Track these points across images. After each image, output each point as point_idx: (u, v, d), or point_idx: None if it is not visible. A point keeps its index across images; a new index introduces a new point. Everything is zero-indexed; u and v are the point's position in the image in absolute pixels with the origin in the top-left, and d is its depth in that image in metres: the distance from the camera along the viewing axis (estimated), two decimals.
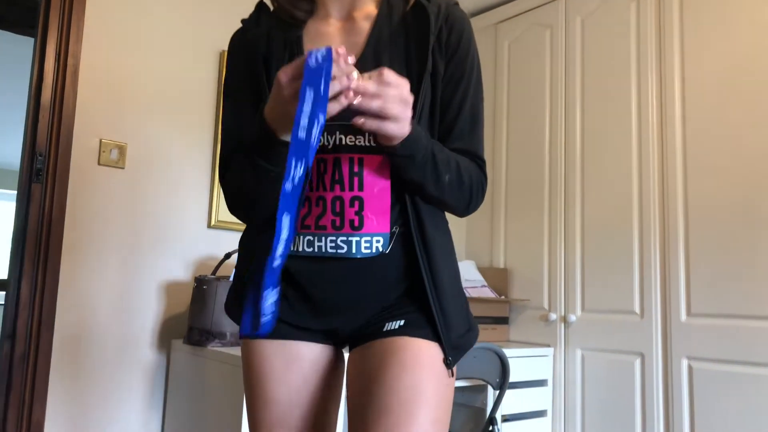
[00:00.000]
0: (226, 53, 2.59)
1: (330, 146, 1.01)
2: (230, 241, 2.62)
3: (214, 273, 2.39)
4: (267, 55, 1.08)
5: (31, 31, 3.37)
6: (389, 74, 0.87)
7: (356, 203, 1.01)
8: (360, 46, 1.06)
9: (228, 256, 2.41)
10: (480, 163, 1.09)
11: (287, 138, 0.92)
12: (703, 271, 2.41)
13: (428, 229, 1.03)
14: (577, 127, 2.91)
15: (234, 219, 2.62)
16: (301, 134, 0.82)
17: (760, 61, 2.35)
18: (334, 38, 1.09)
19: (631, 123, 2.70)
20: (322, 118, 0.83)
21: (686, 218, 2.48)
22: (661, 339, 2.50)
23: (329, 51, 0.83)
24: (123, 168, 2.39)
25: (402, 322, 1.01)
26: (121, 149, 2.38)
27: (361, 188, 1.01)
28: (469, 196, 1.06)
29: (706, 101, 2.49)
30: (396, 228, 1.03)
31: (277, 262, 0.87)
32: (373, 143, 1.00)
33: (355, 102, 0.86)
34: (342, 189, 1.01)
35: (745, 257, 2.30)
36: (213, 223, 2.58)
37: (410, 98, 0.90)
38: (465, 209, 1.08)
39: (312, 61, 0.82)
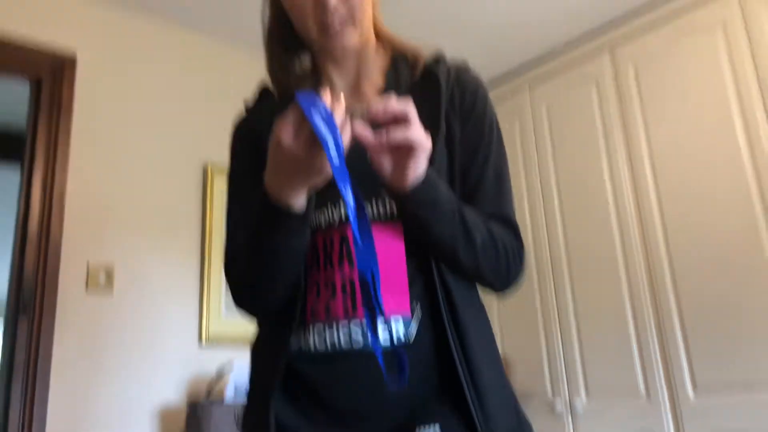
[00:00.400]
0: (210, 166, 2.67)
1: (336, 222, 0.93)
2: (223, 357, 2.56)
3: (207, 396, 2.32)
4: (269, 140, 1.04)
5: (15, 162, 3.44)
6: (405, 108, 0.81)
7: (368, 277, 0.90)
8: None
9: (220, 374, 2.36)
10: (512, 227, 0.98)
11: (291, 201, 0.84)
12: (702, 341, 2.39)
13: (461, 308, 0.90)
14: (556, 210, 2.97)
15: (226, 332, 2.58)
16: (336, 161, 0.76)
17: (717, 121, 2.45)
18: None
19: (608, 200, 2.76)
20: (339, 141, 0.77)
21: (675, 286, 2.49)
22: (672, 420, 2.44)
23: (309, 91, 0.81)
24: (111, 293, 2.36)
25: (437, 428, 0.88)
26: (109, 272, 2.37)
27: None
28: (506, 265, 0.94)
29: (675, 166, 2.57)
30: (419, 306, 0.90)
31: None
32: (382, 209, 0.92)
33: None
34: (351, 265, 0.91)
35: (741, 318, 2.29)
36: (205, 339, 2.54)
37: (425, 138, 0.83)
38: (504, 281, 0.96)
39: (300, 96, 0.79)
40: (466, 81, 1.03)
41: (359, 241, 0.77)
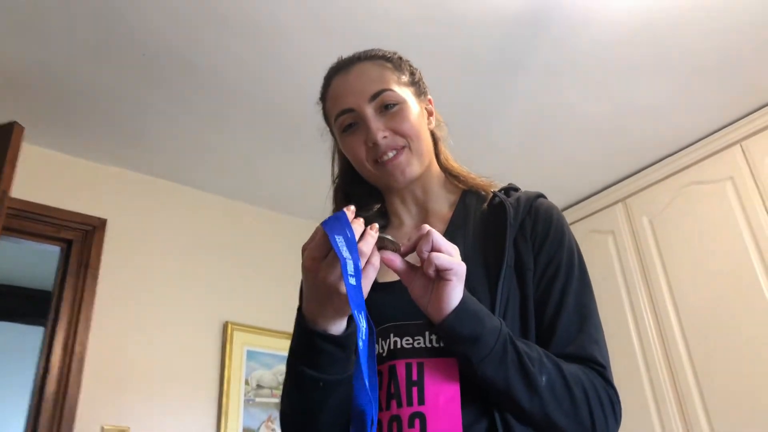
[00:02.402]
0: (229, 324, 2.67)
1: (384, 353, 0.87)
2: None
3: None
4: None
5: (38, 321, 3.48)
6: (438, 238, 0.79)
7: (416, 422, 0.80)
8: None
9: None
10: (599, 369, 0.85)
11: (328, 327, 0.80)
12: None
13: None
14: None
15: None
16: (351, 282, 0.74)
17: (735, 260, 2.44)
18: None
19: (635, 350, 2.68)
20: (359, 264, 0.76)
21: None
22: None
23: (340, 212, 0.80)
24: None
25: None
26: None
27: (421, 401, 0.81)
28: (588, 414, 0.80)
29: (698, 309, 2.52)
30: None
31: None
32: (435, 343, 0.84)
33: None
34: (399, 405, 0.82)
35: None
36: None
37: (462, 266, 0.78)
38: None
39: (327, 220, 0.79)
40: (539, 208, 0.97)
41: (365, 376, 0.73)
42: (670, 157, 2.79)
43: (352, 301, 0.73)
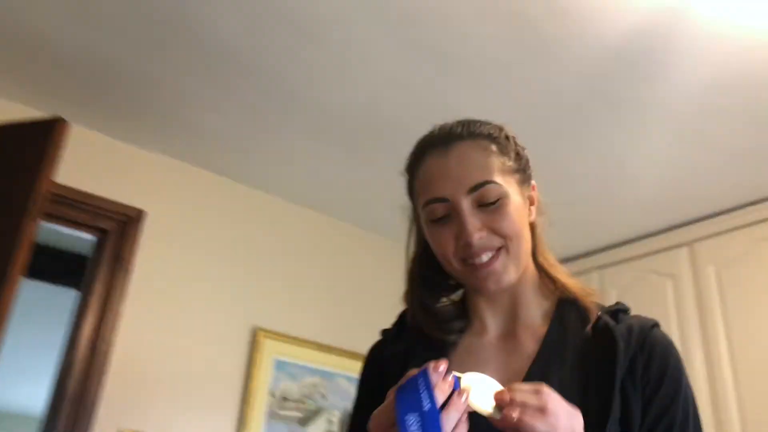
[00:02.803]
0: (259, 331, 2.56)
1: None
2: None
3: None
4: (401, 377, 0.87)
5: (70, 281, 3.41)
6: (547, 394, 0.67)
7: None
8: (520, 374, 0.83)
9: None
10: None
11: None
12: None
13: None
14: None
15: None
16: None
17: None
18: (489, 359, 0.89)
19: None
20: None
21: None
22: None
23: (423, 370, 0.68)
24: None
25: None
26: None
27: None
28: None
29: (757, 372, 2.33)
30: None
31: None
32: None
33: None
34: None
35: None
36: None
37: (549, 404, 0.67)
38: None
39: (401, 389, 0.67)
40: (654, 344, 0.82)
41: None
42: (749, 207, 2.57)
43: None
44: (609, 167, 2.47)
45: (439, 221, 0.87)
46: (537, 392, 0.67)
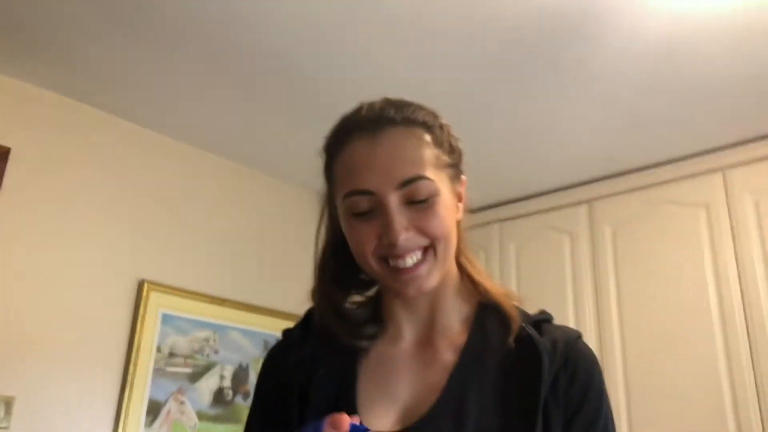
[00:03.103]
0: (146, 284, 2.37)
1: None
2: None
3: None
4: (306, 386, 0.81)
5: None
6: None
7: None
8: (437, 389, 0.77)
9: None
10: None
11: None
12: None
13: None
14: None
15: None
16: None
17: (691, 298, 2.35)
18: (403, 370, 0.81)
19: None
20: None
21: None
22: None
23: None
24: (7, 428, 2.01)
25: None
26: (8, 404, 2.02)
27: None
28: None
29: (642, 332, 2.44)
30: None
31: None
32: None
33: None
34: None
35: None
36: None
37: None
38: None
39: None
40: (578, 360, 0.77)
41: None
42: (649, 170, 2.62)
43: None
44: (516, 124, 2.42)
45: (360, 216, 0.77)
46: None
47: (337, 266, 0.86)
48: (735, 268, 2.30)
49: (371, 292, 0.90)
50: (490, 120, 2.38)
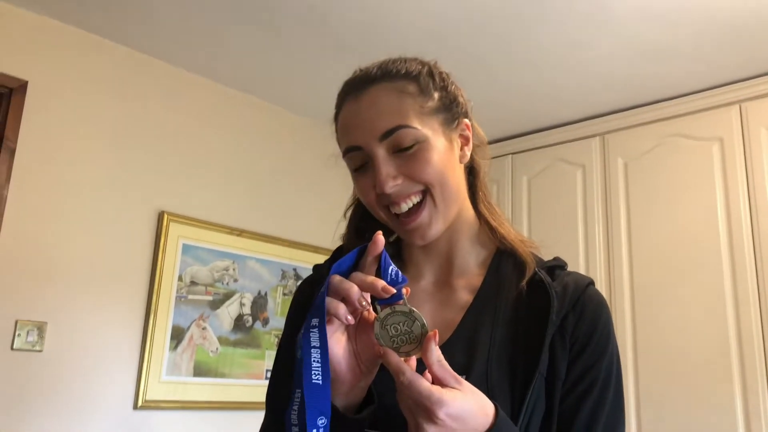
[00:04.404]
0: (166, 215, 2.43)
1: None
2: (159, 424, 2.36)
3: None
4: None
5: None
6: (412, 383, 0.63)
7: None
8: (452, 325, 0.82)
9: None
10: None
11: (339, 404, 0.69)
12: None
13: None
14: None
15: (165, 396, 2.37)
16: (315, 378, 0.63)
17: (702, 242, 2.38)
18: (421, 307, 0.85)
19: None
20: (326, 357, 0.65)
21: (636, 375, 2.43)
22: None
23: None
24: (41, 351, 2.12)
25: None
26: (41, 329, 2.13)
27: None
28: None
29: (652, 272, 2.49)
30: None
31: None
32: None
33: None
34: None
35: None
36: (140, 403, 2.32)
37: (439, 414, 0.62)
38: None
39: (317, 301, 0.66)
40: (586, 304, 0.81)
41: None
42: (662, 102, 2.61)
43: (309, 407, 0.62)
44: (530, 55, 2.39)
45: (358, 170, 0.83)
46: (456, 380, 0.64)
47: (359, 219, 0.92)
48: (747, 202, 2.32)
49: (394, 237, 0.95)
50: (505, 52, 2.35)
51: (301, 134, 2.97)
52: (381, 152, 0.79)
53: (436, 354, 0.65)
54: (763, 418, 2.14)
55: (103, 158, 2.36)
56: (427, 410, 0.63)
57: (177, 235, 2.47)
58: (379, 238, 0.69)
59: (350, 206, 0.94)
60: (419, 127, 0.79)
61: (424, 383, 0.63)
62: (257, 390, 2.58)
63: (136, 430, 2.31)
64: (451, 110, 0.85)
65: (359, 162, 0.81)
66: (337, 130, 0.87)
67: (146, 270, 2.41)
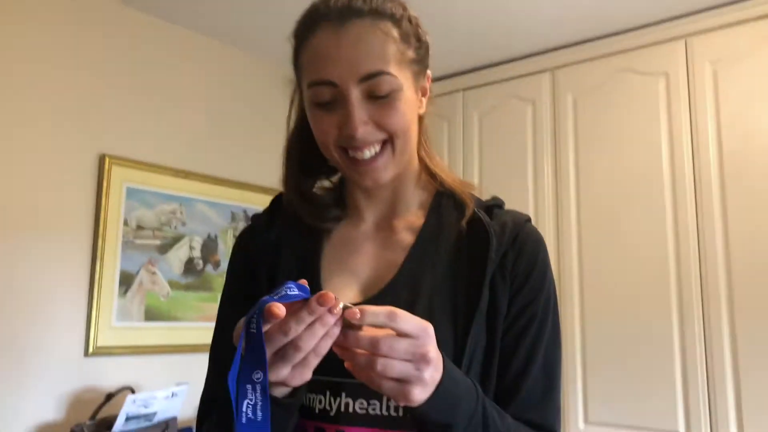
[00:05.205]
0: (107, 158, 2.35)
1: (332, 412, 0.76)
2: (112, 370, 2.34)
3: (93, 417, 2.12)
4: (273, 267, 0.85)
5: None
6: (402, 318, 0.63)
7: None
8: (395, 266, 0.83)
9: (110, 397, 2.16)
10: None
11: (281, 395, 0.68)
12: (597, 381, 2.46)
13: None
14: None
15: (116, 342, 2.35)
16: (248, 414, 0.60)
17: (646, 177, 2.43)
18: (363, 249, 0.87)
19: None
20: (261, 376, 0.62)
21: (583, 324, 2.52)
22: None
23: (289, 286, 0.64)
24: None
25: None
26: None
27: None
28: None
29: (598, 207, 2.54)
30: None
31: None
32: (394, 412, 0.74)
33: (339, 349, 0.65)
34: None
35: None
36: (91, 349, 2.30)
37: (430, 352, 0.64)
38: None
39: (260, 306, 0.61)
40: (524, 242, 0.83)
41: None
42: (612, 37, 2.60)
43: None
44: None
45: (323, 106, 0.79)
46: (389, 315, 0.64)
47: (304, 152, 0.89)
48: (689, 137, 2.37)
49: (336, 178, 0.94)
50: None
51: (249, 72, 2.88)
52: (356, 94, 0.77)
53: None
54: (698, 347, 2.25)
55: (44, 100, 2.24)
56: (420, 357, 0.63)
57: (120, 179, 2.40)
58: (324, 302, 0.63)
59: (291, 140, 0.90)
60: (397, 75, 0.78)
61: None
62: (210, 332, 2.56)
63: (88, 377, 2.29)
64: (422, 63, 0.84)
65: (327, 98, 0.78)
66: (301, 53, 0.82)
67: (90, 215, 2.34)
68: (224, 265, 2.67)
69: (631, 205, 2.46)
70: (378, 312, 0.63)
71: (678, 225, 2.34)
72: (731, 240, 2.23)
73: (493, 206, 0.88)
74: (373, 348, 0.62)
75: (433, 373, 0.65)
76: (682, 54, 2.42)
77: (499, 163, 2.87)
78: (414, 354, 0.63)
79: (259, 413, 0.61)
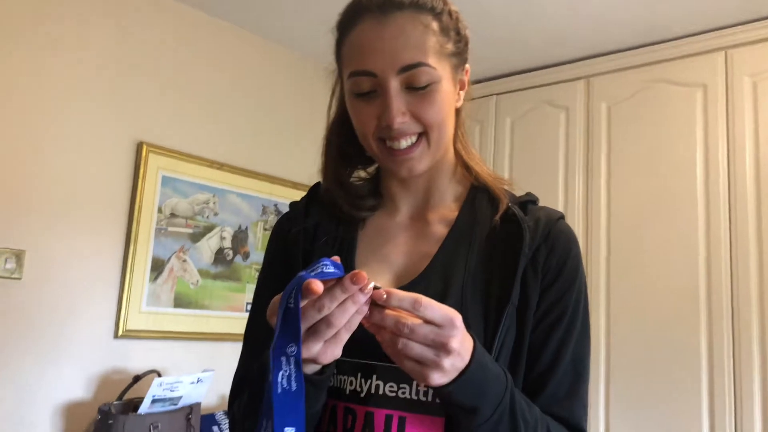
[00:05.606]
0: (144, 145, 2.40)
1: (363, 394, 0.77)
2: (140, 353, 2.39)
3: (120, 397, 2.17)
4: (309, 253, 0.87)
5: None
6: (427, 306, 0.65)
7: None
8: (428, 256, 0.85)
9: (137, 379, 2.20)
10: None
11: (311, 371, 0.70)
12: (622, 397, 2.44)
13: None
14: None
15: (145, 326, 2.40)
16: (283, 384, 0.63)
17: (679, 189, 2.41)
18: (397, 239, 0.89)
19: None
20: (295, 350, 0.64)
21: (608, 334, 2.51)
22: None
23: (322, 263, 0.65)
24: (20, 279, 2.12)
25: None
26: (19, 257, 2.12)
27: None
28: None
29: (629, 217, 2.53)
30: None
31: None
32: (423, 396, 0.76)
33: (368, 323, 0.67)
34: None
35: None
36: (121, 332, 2.35)
37: (452, 342, 0.65)
38: None
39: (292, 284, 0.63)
40: (557, 237, 0.84)
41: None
42: (648, 47, 2.59)
43: (277, 414, 0.62)
44: None
45: (362, 96, 0.81)
46: (415, 301, 0.65)
47: (343, 142, 0.92)
48: (725, 150, 2.35)
49: (372, 168, 0.97)
50: None
51: (286, 68, 2.92)
52: (395, 85, 0.79)
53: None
54: (725, 362, 2.22)
55: (86, 86, 2.30)
56: (440, 345, 0.65)
57: (156, 167, 2.45)
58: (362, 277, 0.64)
59: (331, 130, 0.93)
60: (436, 67, 0.79)
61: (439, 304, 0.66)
62: (237, 322, 2.61)
63: (116, 359, 2.34)
64: (461, 56, 0.86)
65: (367, 88, 0.80)
66: (342, 45, 0.84)
67: (125, 201, 2.39)
68: (254, 256, 2.70)
69: (662, 218, 2.44)
70: (404, 297, 0.65)
71: (710, 240, 2.32)
72: (764, 254, 2.20)
73: (527, 202, 0.89)
74: (397, 328, 0.64)
75: (455, 361, 0.66)
76: (722, 66, 2.40)
77: (530, 169, 2.87)
78: (435, 341, 0.65)
79: (294, 383, 0.63)
